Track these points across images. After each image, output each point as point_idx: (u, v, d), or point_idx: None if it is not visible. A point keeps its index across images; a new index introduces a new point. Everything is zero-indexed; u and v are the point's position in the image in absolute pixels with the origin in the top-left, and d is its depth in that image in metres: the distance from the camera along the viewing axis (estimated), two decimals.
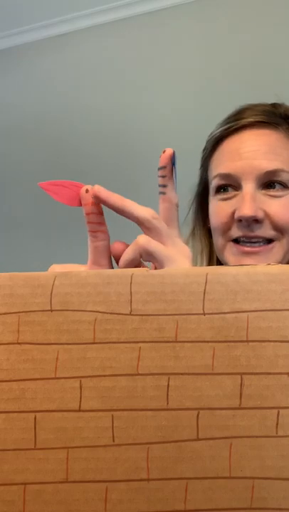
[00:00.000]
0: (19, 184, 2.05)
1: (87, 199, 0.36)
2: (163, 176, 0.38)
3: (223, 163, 0.65)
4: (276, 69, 1.64)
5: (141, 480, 0.28)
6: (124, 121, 1.89)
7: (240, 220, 0.62)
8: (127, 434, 0.28)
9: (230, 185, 0.65)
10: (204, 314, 0.29)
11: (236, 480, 0.28)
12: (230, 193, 0.65)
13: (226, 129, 0.66)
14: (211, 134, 0.70)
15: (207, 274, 0.30)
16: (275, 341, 0.29)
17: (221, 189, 0.66)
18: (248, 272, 0.30)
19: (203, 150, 0.72)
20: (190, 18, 1.80)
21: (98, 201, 0.36)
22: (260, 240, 0.63)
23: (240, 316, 0.29)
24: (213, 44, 1.77)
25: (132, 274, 0.30)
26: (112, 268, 0.38)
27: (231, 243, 0.65)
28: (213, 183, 0.66)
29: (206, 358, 0.29)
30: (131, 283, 0.29)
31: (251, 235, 0.62)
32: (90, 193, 0.36)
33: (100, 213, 0.37)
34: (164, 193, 0.39)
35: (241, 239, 0.64)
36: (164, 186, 0.39)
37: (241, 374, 0.28)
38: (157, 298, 0.29)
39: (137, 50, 1.88)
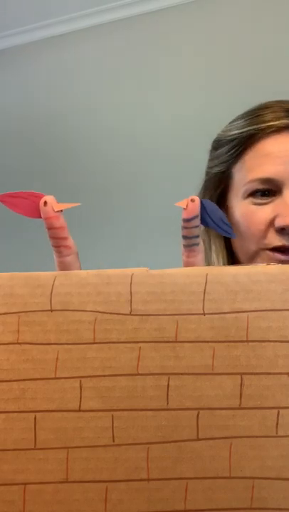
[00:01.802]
0: (18, 184, 2.05)
1: (47, 213, 0.32)
2: (196, 226, 0.33)
3: (261, 166, 0.62)
4: (277, 69, 1.64)
5: (141, 480, 0.28)
6: (123, 121, 1.89)
7: (282, 229, 0.60)
8: (127, 434, 0.28)
9: (268, 189, 0.62)
10: (204, 314, 0.29)
11: (236, 480, 0.28)
12: (268, 198, 0.62)
13: (262, 129, 0.63)
14: (233, 129, 0.66)
15: (207, 274, 0.30)
16: (275, 341, 0.29)
17: (256, 193, 0.63)
18: (248, 272, 0.30)
19: (221, 145, 0.68)
20: (190, 18, 1.80)
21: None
22: None
23: (240, 316, 0.29)
24: (214, 44, 1.77)
25: (132, 274, 0.30)
26: None
27: (267, 251, 0.62)
28: (249, 186, 0.63)
29: (206, 358, 0.29)
30: (131, 283, 0.29)
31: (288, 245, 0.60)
32: (49, 206, 0.32)
33: (63, 228, 0.33)
34: (197, 244, 0.34)
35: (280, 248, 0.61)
36: (197, 237, 0.34)
37: (241, 374, 0.28)
38: (157, 298, 0.29)
39: (137, 50, 1.88)
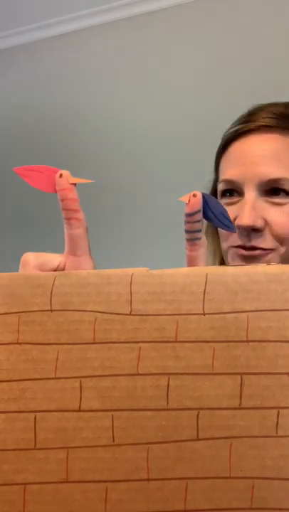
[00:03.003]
0: (19, 184, 2.05)
1: (61, 184, 0.35)
2: (198, 221, 0.34)
3: (229, 168, 0.65)
4: (276, 70, 1.64)
5: (141, 480, 0.28)
6: (124, 121, 1.89)
7: (239, 228, 0.61)
8: (127, 434, 0.28)
9: (234, 190, 0.64)
10: (204, 314, 0.29)
11: (236, 480, 0.28)
12: (235, 198, 0.64)
13: (235, 131, 0.66)
14: (225, 132, 0.69)
15: (207, 274, 0.30)
16: (275, 341, 0.29)
17: (226, 193, 0.65)
18: (248, 272, 0.30)
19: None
20: (190, 18, 1.80)
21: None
22: (259, 248, 0.62)
23: (240, 316, 0.29)
24: (213, 44, 1.77)
25: (132, 274, 0.30)
26: (91, 257, 0.37)
27: (233, 248, 0.64)
28: (219, 187, 0.66)
29: (206, 358, 0.29)
30: (131, 283, 0.29)
31: (248, 245, 0.62)
32: (64, 178, 0.35)
33: (75, 200, 0.35)
34: (199, 239, 0.35)
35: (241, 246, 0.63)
36: (199, 231, 0.35)
37: (241, 374, 0.28)
38: (157, 298, 0.29)
39: (137, 49, 1.88)
